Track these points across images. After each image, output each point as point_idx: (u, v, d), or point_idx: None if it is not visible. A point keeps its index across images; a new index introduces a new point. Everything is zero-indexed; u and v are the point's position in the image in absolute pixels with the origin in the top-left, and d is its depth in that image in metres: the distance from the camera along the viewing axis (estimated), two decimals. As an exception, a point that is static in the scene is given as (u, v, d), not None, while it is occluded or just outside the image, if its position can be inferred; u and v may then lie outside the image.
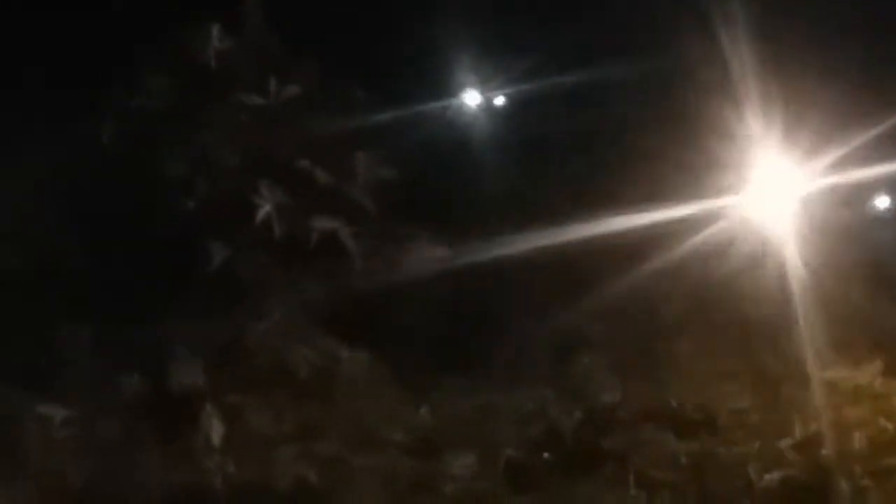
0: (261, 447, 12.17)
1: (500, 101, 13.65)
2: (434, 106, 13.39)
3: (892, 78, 12.61)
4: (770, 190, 12.56)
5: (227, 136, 12.61)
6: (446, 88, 13.55)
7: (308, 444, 12.23)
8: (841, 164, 12.43)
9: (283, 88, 12.71)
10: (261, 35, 12.81)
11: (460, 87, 13.62)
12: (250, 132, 12.67)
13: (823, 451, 11.94)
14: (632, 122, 12.81)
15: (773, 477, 11.95)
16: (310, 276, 12.46)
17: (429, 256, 12.65)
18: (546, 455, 12.40)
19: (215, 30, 12.63)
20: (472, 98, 13.65)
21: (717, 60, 12.55)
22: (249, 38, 12.80)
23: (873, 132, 12.31)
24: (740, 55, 12.51)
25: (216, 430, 12.07)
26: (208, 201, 12.48)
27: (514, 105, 13.63)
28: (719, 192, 12.58)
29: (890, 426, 12.00)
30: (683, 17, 12.63)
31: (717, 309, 12.56)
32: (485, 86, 13.61)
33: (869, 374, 12.42)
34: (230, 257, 12.38)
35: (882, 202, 13.38)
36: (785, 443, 12.10)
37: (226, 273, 12.37)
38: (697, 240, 12.48)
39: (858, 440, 11.93)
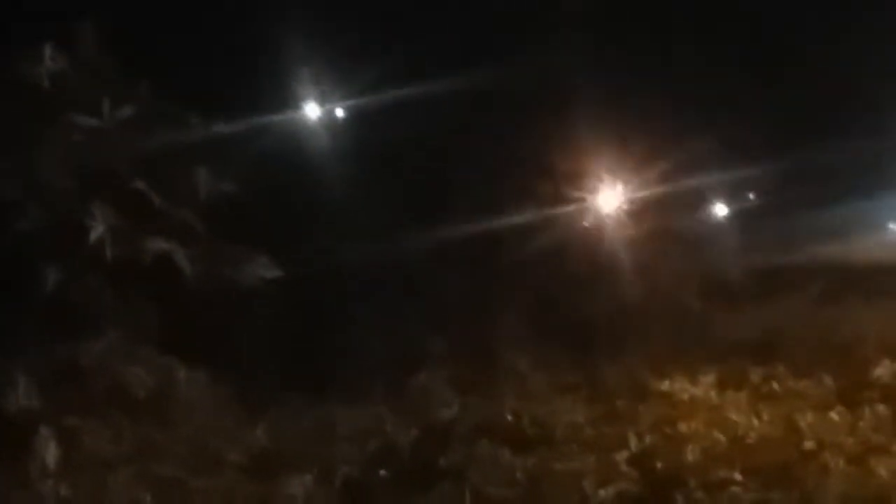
0: (97, 470, 12.09)
1: (340, 113, 13.54)
2: (274, 119, 13.28)
3: (729, 87, 12.46)
4: (607, 199, 12.47)
5: (60, 158, 12.52)
6: (287, 102, 13.44)
7: (145, 465, 12.13)
8: (677, 173, 12.33)
9: (117, 109, 12.62)
10: (94, 55, 12.70)
11: (301, 100, 13.50)
12: (84, 153, 12.58)
13: (658, 465, 11.76)
14: (469, 132, 12.70)
15: (608, 491, 11.77)
16: (144, 297, 12.39)
17: (264, 274, 12.55)
18: (383, 472, 12.26)
19: (48, 50, 12.54)
20: (312, 111, 13.52)
21: (556, 72, 12.43)
22: (82, 58, 12.69)
23: (709, 141, 12.20)
24: (579, 67, 12.40)
25: (51, 454, 11.98)
26: (42, 224, 12.39)
27: (354, 117, 13.52)
28: (557, 201, 12.49)
29: (723, 438, 11.86)
30: (521, 31, 12.52)
31: (555, 320, 12.43)
32: (325, 98, 13.50)
33: (703, 385, 12.32)
34: (64, 280, 12.32)
35: (719, 210, 13.24)
36: (620, 456, 11.93)
37: (60, 295, 12.31)
38: (534, 250, 12.39)
39: (692, 453, 11.77)
